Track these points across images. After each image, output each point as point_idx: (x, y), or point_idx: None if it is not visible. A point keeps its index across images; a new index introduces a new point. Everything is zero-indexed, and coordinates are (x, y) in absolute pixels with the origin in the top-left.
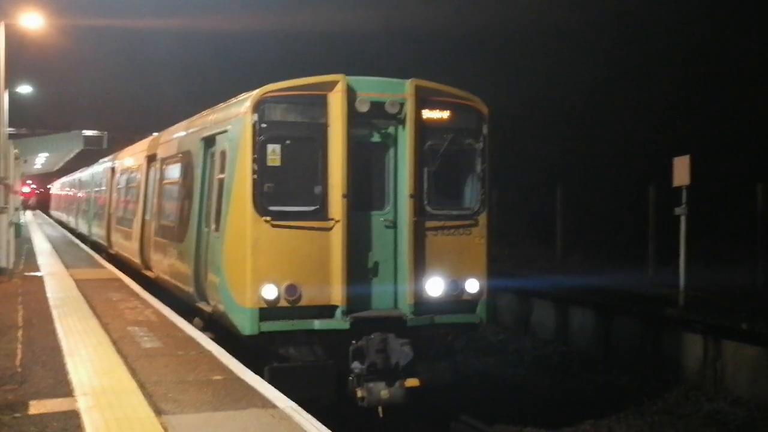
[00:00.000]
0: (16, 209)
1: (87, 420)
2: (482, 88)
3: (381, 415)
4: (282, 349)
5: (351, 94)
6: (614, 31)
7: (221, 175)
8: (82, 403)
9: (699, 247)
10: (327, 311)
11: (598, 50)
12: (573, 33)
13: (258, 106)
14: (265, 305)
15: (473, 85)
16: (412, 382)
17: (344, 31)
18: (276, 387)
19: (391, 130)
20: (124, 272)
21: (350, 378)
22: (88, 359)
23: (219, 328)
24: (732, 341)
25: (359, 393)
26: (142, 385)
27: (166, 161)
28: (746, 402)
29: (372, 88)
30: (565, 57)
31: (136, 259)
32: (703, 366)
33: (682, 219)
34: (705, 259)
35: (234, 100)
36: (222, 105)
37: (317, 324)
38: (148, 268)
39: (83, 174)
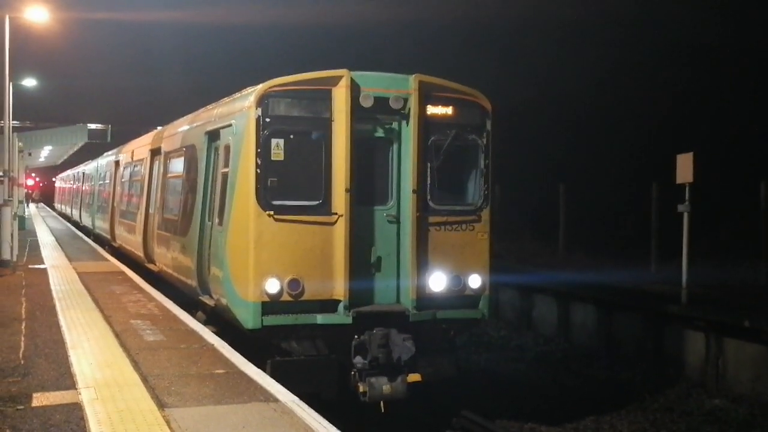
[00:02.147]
0: (20, 202)
1: (90, 412)
2: (485, 82)
3: (383, 409)
4: (284, 343)
5: (355, 89)
6: (618, 26)
7: (225, 169)
8: (85, 395)
9: (702, 244)
10: (329, 306)
11: (602, 46)
12: (577, 29)
13: (262, 101)
14: (267, 299)
15: (476, 79)
16: (414, 377)
17: (349, 23)
18: (278, 381)
19: (394, 125)
20: (127, 265)
21: (352, 372)
22: (91, 352)
23: (222, 321)
24: (734, 339)
25: (361, 388)
26: (144, 378)
27: (170, 155)
28: (748, 399)
29: (376, 84)
30: (569, 52)
31: (140, 253)
32: (705, 363)
33: (685, 216)
34: (708, 256)
35: (238, 94)
36: (226, 99)
37: (320, 318)
38: (152, 262)
39: (87, 167)
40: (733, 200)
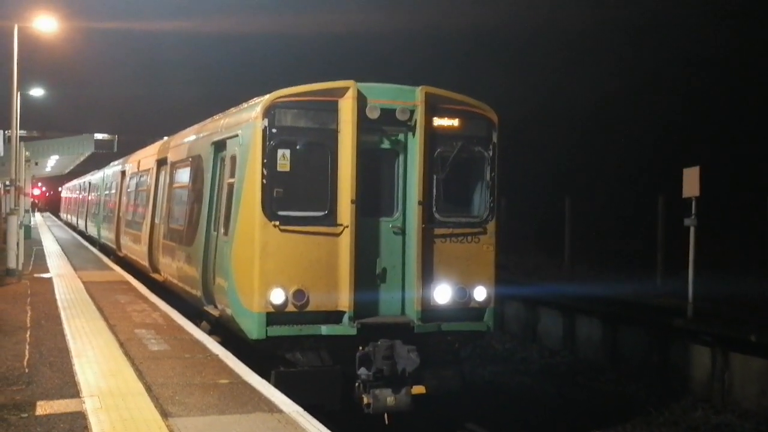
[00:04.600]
0: (27, 211)
1: (94, 421)
2: (491, 94)
3: (387, 421)
4: (289, 353)
5: (361, 101)
6: (625, 38)
7: (231, 180)
8: (89, 404)
9: (708, 257)
10: (334, 317)
11: (609, 58)
12: (584, 40)
13: (268, 111)
14: (272, 310)
15: (482, 91)
16: (418, 389)
17: (356, 34)
18: (282, 391)
19: (401, 136)
20: (132, 275)
21: (356, 384)
22: (95, 361)
23: (226, 331)
24: (740, 353)
25: (365, 399)
26: (148, 388)
27: (176, 165)
28: (754, 415)
29: (382, 95)
30: (576, 64)
31: (145, 262)
32: (711, 377)
33: (692, 230)
34: (715, 269)
35: (245, 104)
36: (233, 110)
37: (324, 329)
38: (157, 271)
39: (93, 177)
40: (740, 214)
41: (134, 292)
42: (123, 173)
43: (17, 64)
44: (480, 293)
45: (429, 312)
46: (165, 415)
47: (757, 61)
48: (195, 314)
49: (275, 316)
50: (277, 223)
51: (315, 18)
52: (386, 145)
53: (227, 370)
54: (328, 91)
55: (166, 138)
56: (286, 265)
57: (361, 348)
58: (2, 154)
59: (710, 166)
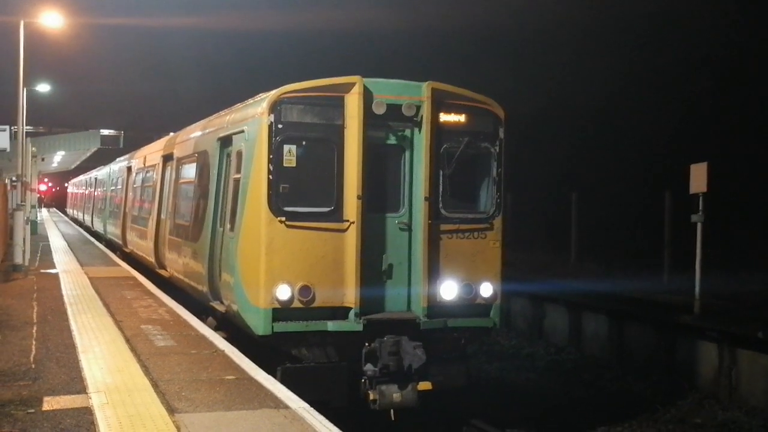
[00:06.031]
0: (33, 207)
1: (100, 417)
2: (497, 90)
3: (393, 418)
4: (295, 349)
5: (368, 96)
6: (632, 34)
7: (237, 175)
8: (96, 399)
9: (716, 253)
10: (340, 313)
11: (616, 53)
12: (591, 36)
13: (275, 107)
14: (278, 306)
15: (488, 87)
16: (424, 385)
17: (362, 31)
18: (288, 387)
19: (407, 132)
20: (138, 271)
21: (362, 380)
22: (102, 356)
23: (232, 327)
24: (747, 350)
25: (371, 395)
26: (155, 383)
27: (182, 161)
28: (761, 412)
29: (389, 91)
30: (582, 60)
31: (151, 258)
32: (718, 374)
33: (699, 226)
34: (722, 266)
35: (251, 100)
36: (239, 105)
37: (330, 325)
38: (163, 267)
39: (99, 173)
40: (748, 210)
41: (140, 287)
42: (129, 169)
43: (23, 59)
44: (486, 289)
45: (435, 308)
46: (171, 410)
47: (761, 58)
48: (201, 310)
49: (281, 312)
50: (283, 218)
51: (323, 15)
52: (392, 140)
53: (233, 366)
54: (334, 86)
55: (172, 134)
56: (292, 261)
57: (367, 344)
58: (9, 150)
59: (718, 162)
